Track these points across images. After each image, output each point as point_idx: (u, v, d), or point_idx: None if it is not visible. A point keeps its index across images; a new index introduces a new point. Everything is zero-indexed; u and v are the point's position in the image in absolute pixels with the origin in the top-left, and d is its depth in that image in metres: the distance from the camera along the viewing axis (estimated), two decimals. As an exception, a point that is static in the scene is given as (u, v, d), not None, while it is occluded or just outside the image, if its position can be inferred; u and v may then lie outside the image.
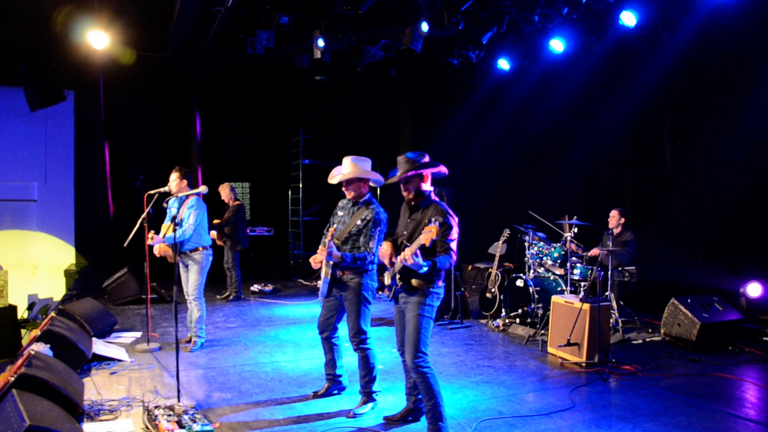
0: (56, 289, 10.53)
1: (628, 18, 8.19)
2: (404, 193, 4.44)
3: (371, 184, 5.11)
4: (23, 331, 7.42)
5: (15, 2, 7.97)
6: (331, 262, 4.94)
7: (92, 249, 11.03)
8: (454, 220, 4.25)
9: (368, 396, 5.05)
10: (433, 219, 3.94)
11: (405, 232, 4.45)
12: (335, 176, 5.11)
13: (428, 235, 3.82)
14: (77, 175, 10.95)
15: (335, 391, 5.39)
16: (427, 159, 4.38)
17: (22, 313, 8.12)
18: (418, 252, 3.93)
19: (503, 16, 9.11)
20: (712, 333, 6.91)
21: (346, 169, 5.01)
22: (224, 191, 9.99)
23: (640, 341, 7.38)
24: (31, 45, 9.13)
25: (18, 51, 9.14)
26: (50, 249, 10.70)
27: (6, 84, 9.89)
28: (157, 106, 12.24)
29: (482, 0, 8.74)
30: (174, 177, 6.69)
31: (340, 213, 5.20)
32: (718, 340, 6.99)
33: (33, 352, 4.77)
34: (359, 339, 4.98)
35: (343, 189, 5.07)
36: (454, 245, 4.20)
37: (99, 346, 6.42)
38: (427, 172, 4.39)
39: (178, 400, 4.92)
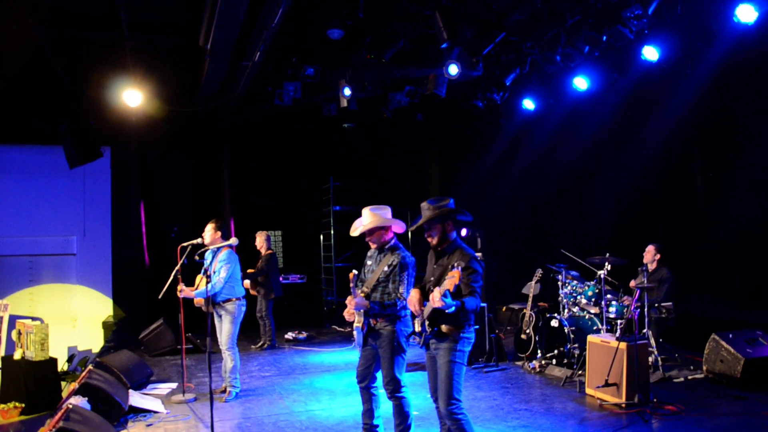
0: (95, 341, 10.71)
1: (651, 53, 8.19)
2: (428, 239, 4.47)
3: (396, 230, 5.14)
4: (63, 383, 7.54)
5: (55, 65, 8.35)
6: (361, 311, 4.97)
7: (129, 301, 11.25)
8: (480, 264, 4.26)
9: (403, 444, 4.98)
10: (455, 264, 3.95)
11: (432, 278, 4.45)
12: (357, 228, 5.16)
13: (451, 280, 3.85)
14: (114, 229, 11.24)
15: (371, 440, 5.33)
16: (450, 204, 4.41)
17: (62, 365, 8.25)
18: (447, 293, 3.92)
19: (525, 57, 9.20)
20: (758, 369, 6.68)
21: (365, 219, 5.07)
22: (260, 238, 10.08)
23: (682, 379, 7.17)
24: (70, 105, 9.56)
25: (58, 111, 9.60)
26: (89, 301, 10.92)
27: (47, 143, 10.32)
28: (189, 158, 12.58)
29: (504, 43, 8.81)
30: (209, 228, 6.83)
31: (369, 262, 5.23)
32: (765, 377, 6.74)
33: (71, 406, 4.85)
34: (393, 387, 4.93)
35: (366, 239, 5.12)
36: (479, 288, 4.18)
37: (135, 398, 6.49)
38: (450, 218, 4.41)
39: (214, 452, 4.93)
